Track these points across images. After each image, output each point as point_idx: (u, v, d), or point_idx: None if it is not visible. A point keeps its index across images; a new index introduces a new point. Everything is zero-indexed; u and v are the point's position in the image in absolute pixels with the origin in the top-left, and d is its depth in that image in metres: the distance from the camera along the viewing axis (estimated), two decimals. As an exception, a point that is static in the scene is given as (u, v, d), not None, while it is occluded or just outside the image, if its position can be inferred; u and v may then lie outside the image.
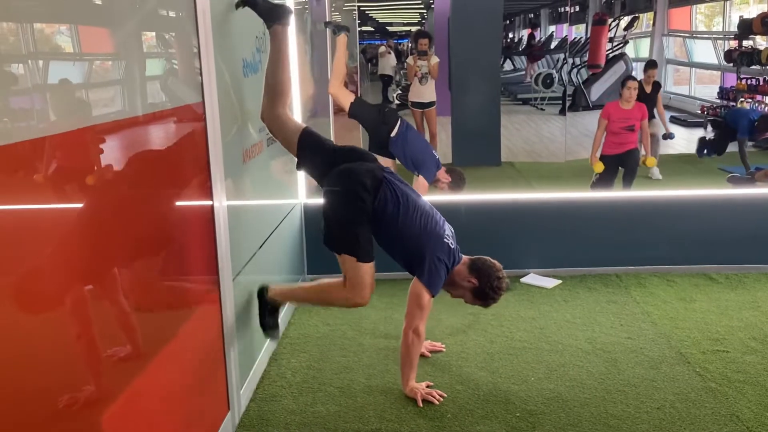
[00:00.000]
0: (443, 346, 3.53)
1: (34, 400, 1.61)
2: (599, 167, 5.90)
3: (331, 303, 3.26)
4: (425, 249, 3.03)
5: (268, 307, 3.21)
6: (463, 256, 3.17)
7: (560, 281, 4.42)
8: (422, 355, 3.41)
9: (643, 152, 6.13)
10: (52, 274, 1.68)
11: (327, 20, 5.24)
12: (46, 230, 1.66)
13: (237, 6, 2.98)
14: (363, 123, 5.14)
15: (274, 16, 3.08)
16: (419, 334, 3.05)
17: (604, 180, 5.91)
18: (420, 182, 4.88)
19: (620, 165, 5.98)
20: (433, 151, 5.15)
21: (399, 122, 4.95)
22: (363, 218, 3.00)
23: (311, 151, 3.20)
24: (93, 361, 1.88)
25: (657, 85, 7.14)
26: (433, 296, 3.06)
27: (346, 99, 4.87)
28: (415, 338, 3.05)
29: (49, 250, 1.67)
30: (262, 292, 3.21)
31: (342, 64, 4.86)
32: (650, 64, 7.50)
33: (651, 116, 6.89)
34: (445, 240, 3.09)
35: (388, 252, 3.17)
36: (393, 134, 4.92)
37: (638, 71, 12.41)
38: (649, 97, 6.90)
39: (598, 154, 5.94)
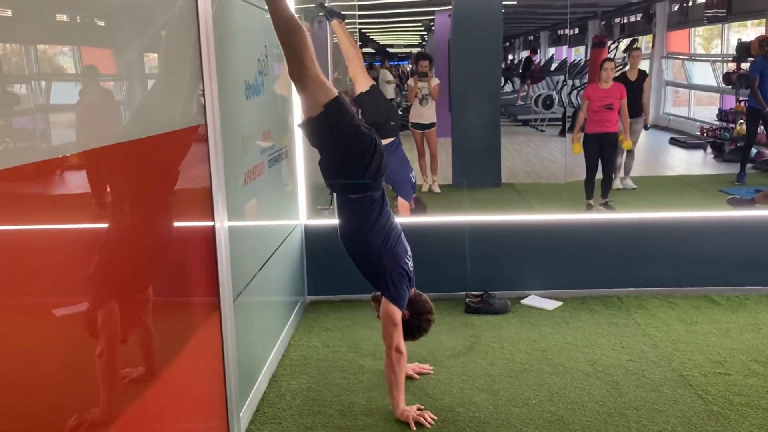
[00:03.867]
0: (431, 368, 3.51)
1: (35, 422, 1.60)
2: (578, 149, 6.48)
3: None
4: (386, 265, 3.11)
5: None
6: (414, 287, 3.25)
7: (561, 303, 4.41)
8: (410, 377, 3.41)
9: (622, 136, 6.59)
10: (52, 293, 1.68)
11: (322, 2, 5.16)
12: (49, 250, 1.67)
13: None
14: (363, 116, 5.15)
15: None
16: (401, 351, 3.09)
17: (589, 160, 6.48)
18: (400, 203, 5.04)
19: (600, 145, 6.41)
20: (411, 175, 5.26)
21: (392, 140, 5.00)
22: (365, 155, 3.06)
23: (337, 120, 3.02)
24: (92, 383, 1.87)
25: (643, 74, 7.32)
26: (402, 310, 3.13)
27: (361, 84, 4.88)
28: (399, 356, 3.07)
29: (51, 269, 1.68)
30: None
31: (349, 47, 4.81)
32: (633, 45, 7.67)
33: (639, 112, 7.18)
34: (406, 260, 3.18)
35: (347, 248, 3.22)
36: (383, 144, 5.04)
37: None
38: (635, 85, 7.01)
39: (579, 136, 6.49)
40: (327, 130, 3.02)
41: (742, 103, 9.72)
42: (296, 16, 2.98)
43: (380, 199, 3.15)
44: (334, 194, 3.29)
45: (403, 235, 3.25)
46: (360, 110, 5.04)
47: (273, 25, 2.93)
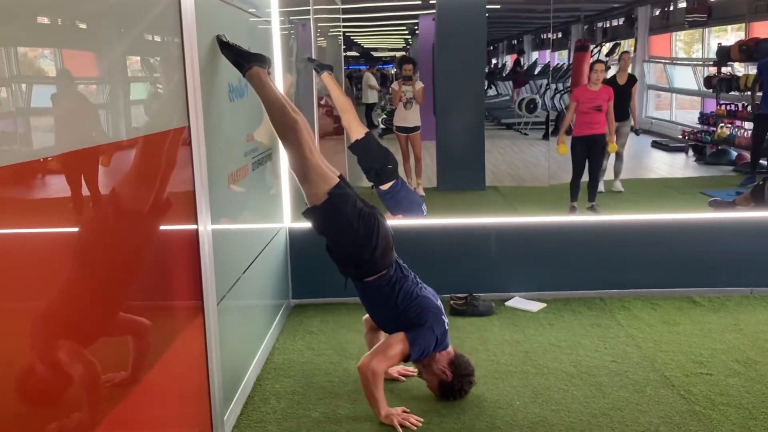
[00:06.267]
0: (415, 370, 3.50)
1: (16, 427, 1.59)
2: (563, 150, 6.56)
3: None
4: (426, 318, 3.12)
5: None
6: (449, 345, 3.24)
7: (545, 305, 4.43)
8: (395, 379, 3.42)
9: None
10: (33, 297, 1.67)
11: (310, 57, 5.32)
12: (30, 254, 1.65)
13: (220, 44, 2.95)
14: (359, 162, 5.21)
15: (250, 59, 2.99)
16: (375, 373, 3.03)
17: (577, 163, 6.53)
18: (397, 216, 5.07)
19: (588, 148, 6.49)
20: (423, 207, 5.33)
21: (393, 182, 5.08)
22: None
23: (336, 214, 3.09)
24: (74, 388, 1.86)
25: (632, 79, 7.38)
26: (407, 359, 3.11)
27: (356, 132, 4.96)
28: (370, 375, 3.03)
29: (32, 273, 1.66)
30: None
31: (341, 98, 4.94)
32: (625, 52, 7.79)
33: (626, 115, 7.22)
34: (443, 318, 3.20)
35: (384, 327, 3.28)
36: (383, 189, 5.14)
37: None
38: (623, 90, 7.08)
39: (565, 138, 6.59)
40: (332, 217, 3.09)
41: (723, 107, 9.84)
42: (287, 103, 3.09)
43: (397, 270, 3.20)
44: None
45: (425, 285, 3.30)
46: (356, 157, 5.14)
47: (268, 119, 3.05)
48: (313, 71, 5.09)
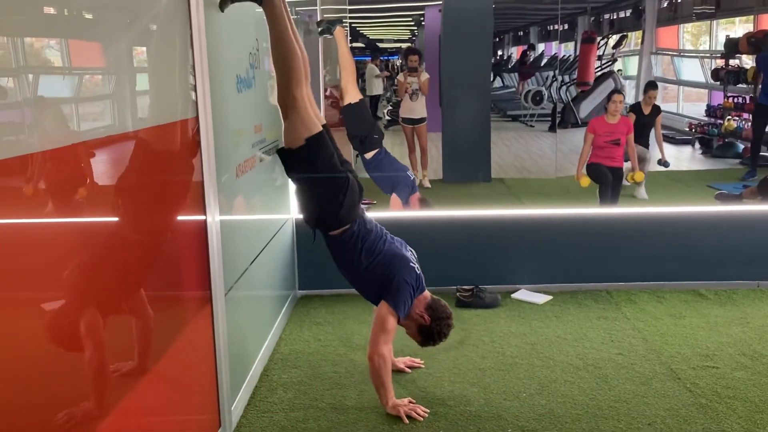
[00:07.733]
0: (422, 362, 3.51)
1: (27, 416, 1.60)
2: (585, 182, 5.99)
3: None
4: (394, 271, 3.10)
5: None
6: (425, 289, 3.22)
7: (551, 297, 4.43)
8: (401, 371, 3.42)
9: (629, 166, 6.23)
10: (41, 288, 1.67)
11: (318, 20, 5.27)
12: (39, 245, 1.66)
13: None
14: (346, 126, 5.24)
15: None
16: (384, 357, 3.04)
17: (603, 181, 5.98)
18: (394, 199, 5.13)
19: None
20: (408, 173, 5.34)
21: (376, 151, 5.10)
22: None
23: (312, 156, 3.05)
24: (82, 378, 1.87)
25: (656, 109, 7.00)
26: (399, 320, 3.10)
27: (350, 96, 4.95)
28: (381, 362, 3.03)
29: (41, 264, 1.67)
30: None
31: (347, 56, 4.87)
32: (650, 85, 7.30)
33: (645, 144, 6.90)
34: (411, 265, 3.16)
35: (355, 284, 3.26)
36: (367, 157, 5.18)
37: (627, 89, 12.56)
38: (647, 119, 6.90)
39: (583, 170, 6.05)
40: (303, 164, 3.05)
41: (730, 99, 9.80)
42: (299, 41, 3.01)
43: (361, 225, 3.15)
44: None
45: (392, 237, 3.26)
46: (344, 121, 5.15)
47: (270, 47, 2.94)
48: (321, 38, 5.01)
